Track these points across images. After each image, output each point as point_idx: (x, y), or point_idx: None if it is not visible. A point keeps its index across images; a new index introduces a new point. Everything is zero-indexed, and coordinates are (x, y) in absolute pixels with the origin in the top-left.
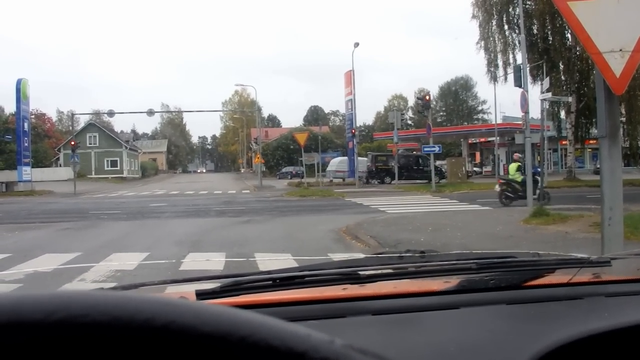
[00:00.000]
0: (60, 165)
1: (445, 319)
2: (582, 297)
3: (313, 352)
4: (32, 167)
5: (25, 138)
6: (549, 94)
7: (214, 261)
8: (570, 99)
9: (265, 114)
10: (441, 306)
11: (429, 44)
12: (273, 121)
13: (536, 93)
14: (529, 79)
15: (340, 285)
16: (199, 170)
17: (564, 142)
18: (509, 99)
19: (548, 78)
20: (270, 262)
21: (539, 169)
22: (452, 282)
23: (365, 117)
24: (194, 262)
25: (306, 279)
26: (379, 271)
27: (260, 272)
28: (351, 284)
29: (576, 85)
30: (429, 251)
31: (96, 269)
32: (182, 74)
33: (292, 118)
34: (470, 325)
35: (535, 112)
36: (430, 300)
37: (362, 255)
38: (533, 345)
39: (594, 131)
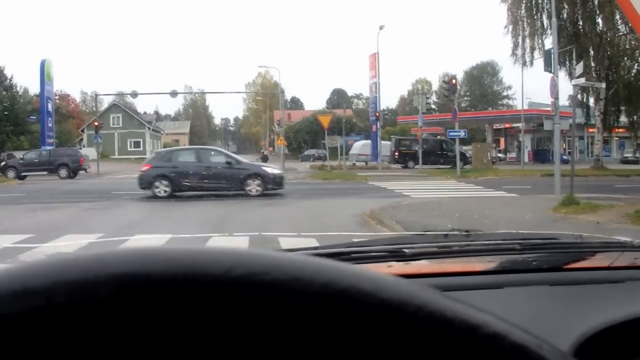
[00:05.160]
0: (84, 146)
1: (489, 298)
2: (623, 280)
3: (485, 327)
4: (56, 147)
5: (49, 119)
6: (582, 80)
7: (238, 243)
8: (603, 85)
9: (288, 96)
10: (484, 286)
11: (454, 28)
12: (296, 103)
13: (564, 79)
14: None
15: (386, 262)
16: None
17: (590, 130)
18: (536, 84)
19: (581, 63)
20: (295, 244)
21: (564, 157)
22: (495, 262)
23: (388, 100)
24: (217, 243)
25: (352, 255)
26: (424, 249)
27: (307, 248)
28: (396, 261)
29: (606, 71)
30: (474, 230)
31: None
32: (205, 56)
33: (315, 100)
34: (515, 305)
35: (562, 98)
36: (473, 280)
37: None
38: (580, 326)
39: (623, 119)
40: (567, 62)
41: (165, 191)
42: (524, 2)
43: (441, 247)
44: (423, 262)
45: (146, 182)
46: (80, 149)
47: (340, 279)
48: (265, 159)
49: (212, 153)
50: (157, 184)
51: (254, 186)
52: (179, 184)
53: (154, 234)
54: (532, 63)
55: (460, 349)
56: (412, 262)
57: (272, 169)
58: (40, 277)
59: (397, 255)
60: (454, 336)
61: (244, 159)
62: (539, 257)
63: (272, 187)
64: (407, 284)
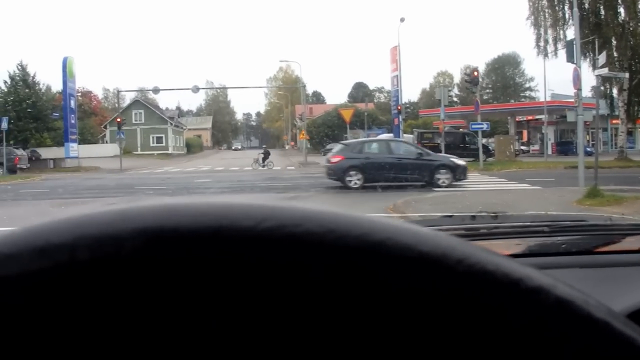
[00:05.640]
0: (107, 142)
1: None
2: None
3: (528, 280)
4: (79, 143)
5: (72, 115)
6: (605, 70)
7: None
8: (626, 75)
9: (310, 90)
10: None
11: (475, 20)
12: (317, 97)
13: (586, 70)
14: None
15: None
16: (233, 148)
17: (614, 121)
18: (558, 76)
19: (604, 53)
20: None
21: (588, 149)
22: (523, 244)
23: (410, 93)
24: None
25: None
26: (451, 232)
27: None
28: None
29: (629, 61)
30: (502, 212)
31: None
32: (226, 51)
33: (336, 94)
34: None
35: (585, 89)
36: None
37: None
38: (612, 307)
39: None
40: (590, 53)
41: (357, 182)
42: None
43: (468, 229)
44: None
45: (338, 173)
46: (16, 148)
47: (376, 231)
48: (267, 153)
49: (402, 144)
50: (349, 174)
51: (443, 177)
52: (371, 175)
53: None
54: (555, 54)
55: (503, 302)
56: None
57: (458, 160)
58: (62, 232)
59: None
60: (496, 289)
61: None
62: (568, 239)
63: (460, 177)
64: (446, 236)
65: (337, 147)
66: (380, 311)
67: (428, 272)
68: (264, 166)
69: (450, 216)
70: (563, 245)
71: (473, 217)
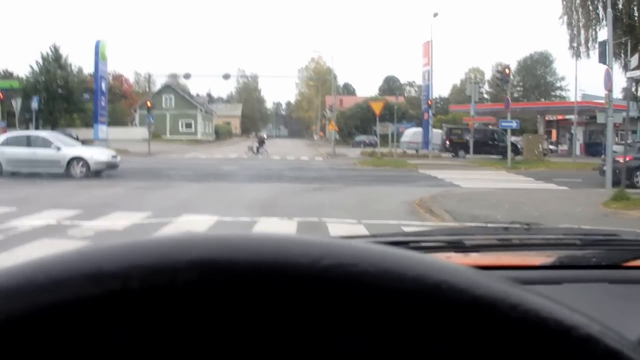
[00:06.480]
0: (136, 126)
1: (547, 294)
2: None
3: (579, 329)
4: (108, 126)
5: (102, 97)
6: (637, 72)
7: (286, 227)
8: None
9: (341, 82)
10: (543, 281)
11: (508, 17)
12: (348, 89)
13: (618, 71)
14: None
15: (444, 253)
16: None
17: None
18: (589, 76)
19: (636, 55)
20: (343, 230)
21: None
22: (554, 257)
23: (441, 89)
24: (265, 226)
25: (410, 244)
26: (484, 241)
27: (363, 235)
28: (455, 252)
29: None
30: (535, 224)
31: (166, 229)
32: (259, 39)
33: (367, 87)
34: (573, 303)
35: (616, 91)
36: (532, 274)
37: None
38: (638, 326)
39: None
40: (622, 55)
41: None
42: None
43: (501, 239)
44: (482, 254)
45: (626, 172)
46: None
47: (431, 273)
48: (261, 141)
49: None
50: (637, 174)
51: None
52: None
53: (202, 214)
54: (587, 55)
55: (553, 350)
56: (470, 253)
57: None
58: (115, 260)
59: (456, 246)
60: (547, 337)
61: None
62: (599, 253)
63: None
64: (500, 280)
65: (621, 147)
66: (433, 356)
67: (481, 317)
68: (257, 154)
69: (484, 226)
70: (594, 259)
71: (506, 228)
